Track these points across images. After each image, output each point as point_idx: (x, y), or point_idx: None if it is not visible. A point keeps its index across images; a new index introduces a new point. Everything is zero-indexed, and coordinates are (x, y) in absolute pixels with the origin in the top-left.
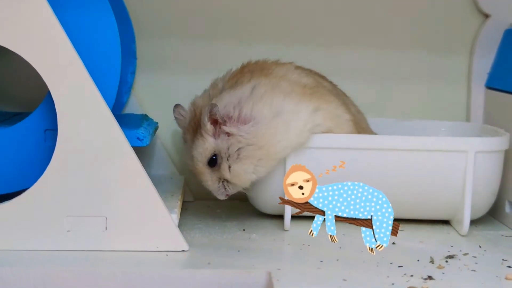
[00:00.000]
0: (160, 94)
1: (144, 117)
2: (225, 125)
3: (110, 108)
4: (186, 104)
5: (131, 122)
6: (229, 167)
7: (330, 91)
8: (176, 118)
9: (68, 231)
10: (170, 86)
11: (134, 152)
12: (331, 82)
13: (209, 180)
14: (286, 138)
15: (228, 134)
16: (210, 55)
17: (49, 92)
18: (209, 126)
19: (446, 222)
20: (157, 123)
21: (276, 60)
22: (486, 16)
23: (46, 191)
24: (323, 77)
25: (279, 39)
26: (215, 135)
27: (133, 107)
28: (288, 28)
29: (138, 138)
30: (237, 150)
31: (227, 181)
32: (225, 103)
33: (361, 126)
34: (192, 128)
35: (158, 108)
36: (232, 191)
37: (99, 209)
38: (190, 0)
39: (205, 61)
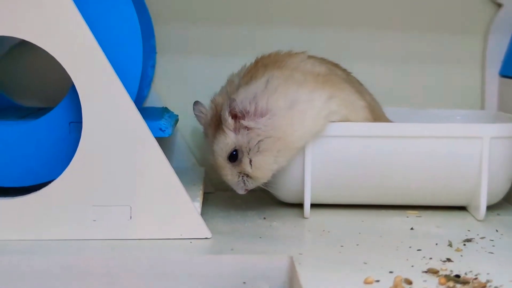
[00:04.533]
0: (180, 87)
1: (165, 110)
2: (243, 119)
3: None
4: (204, 99)
5: (152, 114)
6: (250, 160)
7: (343, 79)
8: (196, 115)
9: (94, 220)
10: (190, 79)
11: (157, 142)
12: (344, 70)
13: (229, 174)
14: (303, 127)
15: (247, 128)
16: (229, 48)
17: (73, 86)
18: (230, 121)
19: (462, 208)
20: (177, 115)
21: (289, 51)
22: (499, 5)
23: (72, 182)
24: (336, 65)
25: (298, 24)
26: (236, 130)
27: (153, 100)
28: (303, 11)
29: (160, 129)
30: (257, 143)
31: (247, 175)
32: (242, 99)
33: (376, 114)
34: (215, 124)
35: (177, 101)
36: (251, 186)
37: (124, 199)
38: None
39: (223, 54)
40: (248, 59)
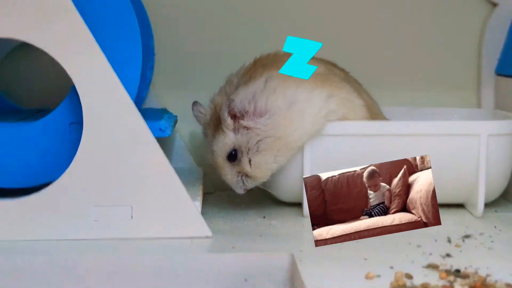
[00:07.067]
0: (178, 88)
1: (164, 110)
2: (242, 119)
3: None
4: (203, 99)
5: (152, 115)
6: (250, 160)
7: (342, 78)
8: (195, 115)
9: (95, 220)
10: (188, 80)
11: (157, 142)
12: (343, 70)
13: (229, 174)
14: (302, 126)
15: (247, 128)
16: (227, 49)
17: (73, 86)
18: (229, 121)
19: (460, 206)
20: (176, 116)
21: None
22: (494, 4)
23: (73, 182)
24: (334, 65)
25: (298, 24)
26: (235, 130)
27: (152, 102)
28: (303, 11)
29: (160, 129)
30: (256, 143)
31: (246, 175)
32: (241, 98)
33: (374, 112)
34: (214, 124)
35: (176, 102)
36: (250, 185)
37: (125, 199)
38: None
39: (222, 54)
40: (247, 60)
